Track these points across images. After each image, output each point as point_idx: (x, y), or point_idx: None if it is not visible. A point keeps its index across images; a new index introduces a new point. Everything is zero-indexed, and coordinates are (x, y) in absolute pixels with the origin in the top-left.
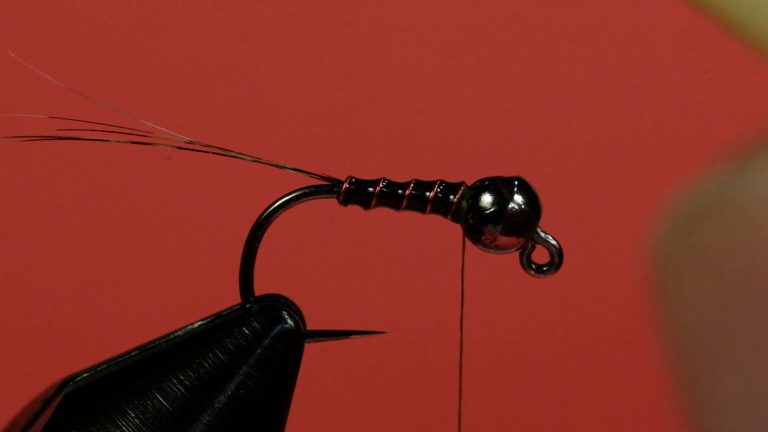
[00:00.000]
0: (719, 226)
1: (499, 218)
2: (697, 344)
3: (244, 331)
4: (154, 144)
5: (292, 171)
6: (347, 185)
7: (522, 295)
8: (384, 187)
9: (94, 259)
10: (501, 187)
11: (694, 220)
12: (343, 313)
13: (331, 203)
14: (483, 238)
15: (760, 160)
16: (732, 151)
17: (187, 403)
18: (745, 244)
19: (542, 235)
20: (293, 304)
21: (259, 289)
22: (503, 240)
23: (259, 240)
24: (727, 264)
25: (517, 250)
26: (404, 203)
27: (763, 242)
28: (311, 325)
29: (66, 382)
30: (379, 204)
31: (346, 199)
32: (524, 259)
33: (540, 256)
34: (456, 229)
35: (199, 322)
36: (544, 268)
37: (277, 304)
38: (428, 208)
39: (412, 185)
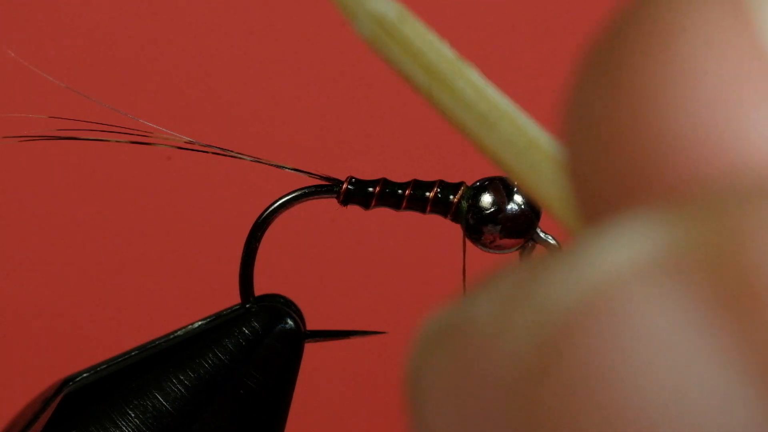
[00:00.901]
0: (458, 342)
1: (498, 218)
2: None
3: (244, 331)
4: (154, 144)
5: (292, 171)
6: (347, 185)
7: None
8: (384, 187)
9: (94, 259)
10: (501, 187)
11: (437, 338)
12: (343, 313)
13: (331, 203)
14: (483, 238)
15: (495, 285)
16: (480, 275)
17: (187, 403)
18: (476, 362)
19: (542, 235)
20: (293, 304)
21: (259, 289)
22: (503, 240)
23: (259, 240)
24: (462, 378)
25: (517, 250)
26: (404, 203)
27: (489, 360)
28: (311, 325)
29: (66, 382)
30: (378, 204)
31: (346, 200)
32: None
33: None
34: (456, 229)
35: (199, 322)
36: None
37: (276, 304)
38: (428, 208)
39: (411, 185)
